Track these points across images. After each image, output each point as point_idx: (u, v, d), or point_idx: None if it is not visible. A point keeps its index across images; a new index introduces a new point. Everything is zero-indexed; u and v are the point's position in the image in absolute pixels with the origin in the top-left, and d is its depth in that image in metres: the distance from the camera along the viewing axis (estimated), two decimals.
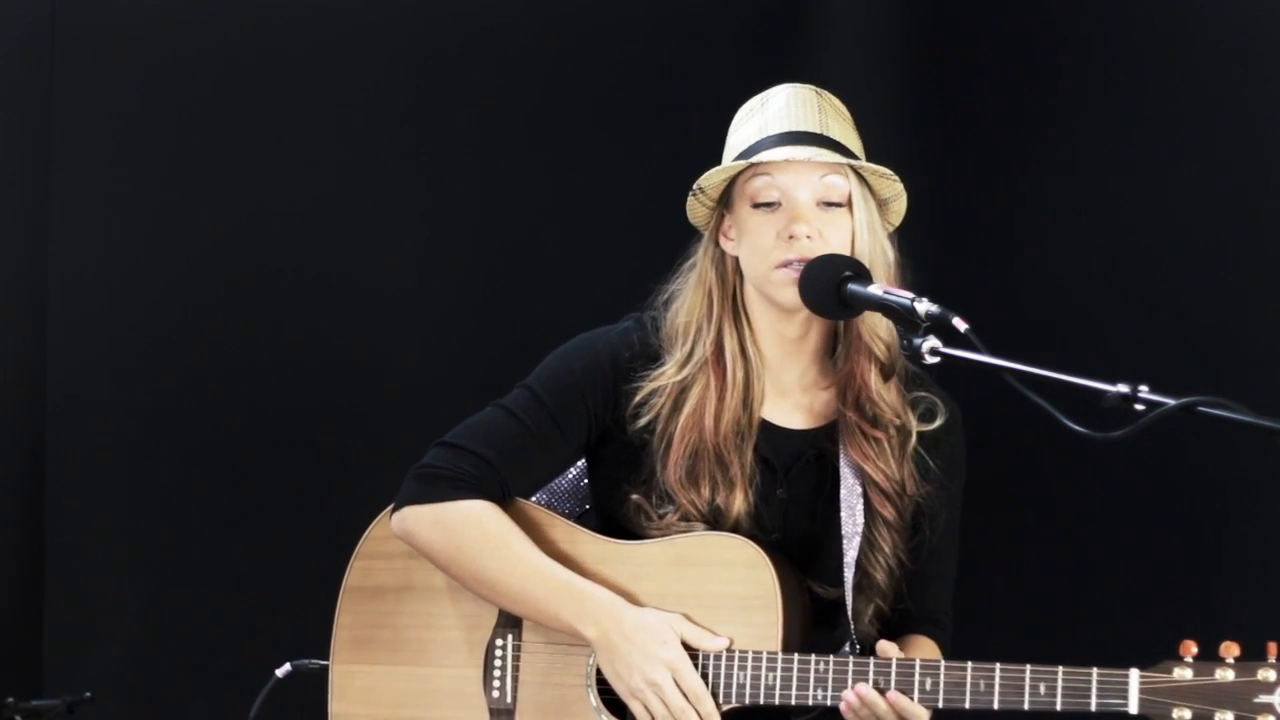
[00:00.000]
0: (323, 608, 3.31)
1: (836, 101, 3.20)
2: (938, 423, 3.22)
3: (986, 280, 4.77)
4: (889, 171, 3.14)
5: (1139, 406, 2.67)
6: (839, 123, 3.16)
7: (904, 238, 3.24)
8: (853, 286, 3.00)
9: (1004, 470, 4.69)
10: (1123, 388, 2.67)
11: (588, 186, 4.92)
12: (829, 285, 3.02)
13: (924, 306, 2.87)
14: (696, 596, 3.09)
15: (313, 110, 4.83)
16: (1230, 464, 4.27)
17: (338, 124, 4.85)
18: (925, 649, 3.22)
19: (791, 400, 3.22)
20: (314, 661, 3.72)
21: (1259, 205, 4.38)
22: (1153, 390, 2.67)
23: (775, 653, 3.04)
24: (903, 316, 2.90)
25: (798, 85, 3.19)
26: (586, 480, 3.33)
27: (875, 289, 2.98)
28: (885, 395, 3.18)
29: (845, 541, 3.15)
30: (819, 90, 3.19)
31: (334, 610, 3.28)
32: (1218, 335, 4.40)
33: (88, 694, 4.08)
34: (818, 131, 3.12)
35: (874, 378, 3.17)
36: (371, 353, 4.84)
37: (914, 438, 3.19)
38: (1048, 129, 4.79)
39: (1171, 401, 2.65)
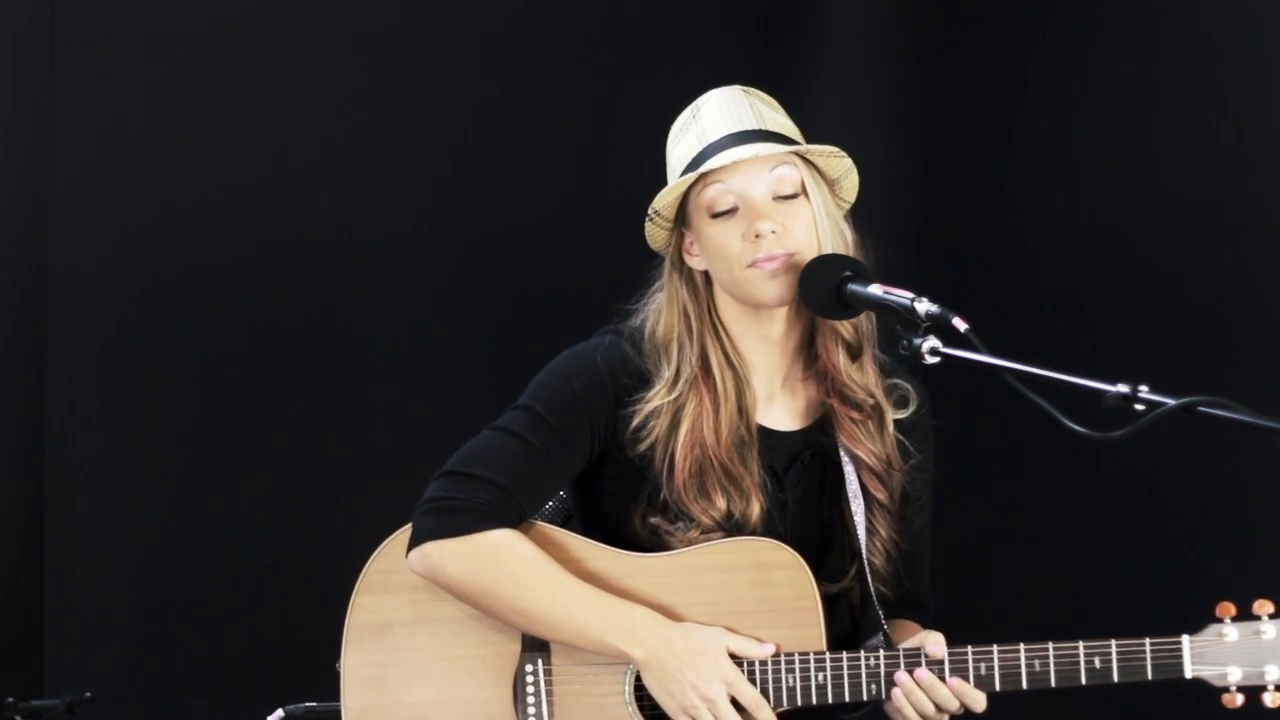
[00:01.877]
0: (322, 607, 3.26)
1: (764, 95, 3.19)
2: (911, 408, 3.23)
3: (985, 279, 4.76)
4: (835, 149, 3.13)
5: (1139, 406, 2.67)
6: (773, 113, 3.16)
7: (904, 236, 3.24)
8: (853, 287, 3.00)
9: (1004, 470, 4.70)
10: (1123, 388, 2.68)
11: (587, 184, 4.93)
12: (829, 286, 3.02)
13: (924, 306, 2.87)
14: (733, 603, 3.06)
15: (311, 106, 4.84)
16: (1230, 464, 4.27)
17: (336, 121, 4.85)
18: (909, 632, 3.21)
19: (779, 403, 3.21)
20: (305, 705, 3.71)
21: (1260, 204, 4.37)
22: (1153, 390, 2.67)
23: (822, 652, 3.04)
24: (903, 317, 2.90)
25: (724, 89, 3.18)
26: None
27: (875, 289, 2.97)
28: (855, 375, 3.17)
29: (861, 535, 3.16)
30: (746, 89, 3.18)
31: (329, 615, 3.16)
32: (1218, 335, 4.40)
33: (88, 694, 4.08)
34: (756, 128, 3.11)
35: (842, 358, 3.17)
36: (382, 354, 4.85)
37: (890, 421, 3.19)
38: (1047, 127, 4.79)
39: (1171, 401, 2.66)
